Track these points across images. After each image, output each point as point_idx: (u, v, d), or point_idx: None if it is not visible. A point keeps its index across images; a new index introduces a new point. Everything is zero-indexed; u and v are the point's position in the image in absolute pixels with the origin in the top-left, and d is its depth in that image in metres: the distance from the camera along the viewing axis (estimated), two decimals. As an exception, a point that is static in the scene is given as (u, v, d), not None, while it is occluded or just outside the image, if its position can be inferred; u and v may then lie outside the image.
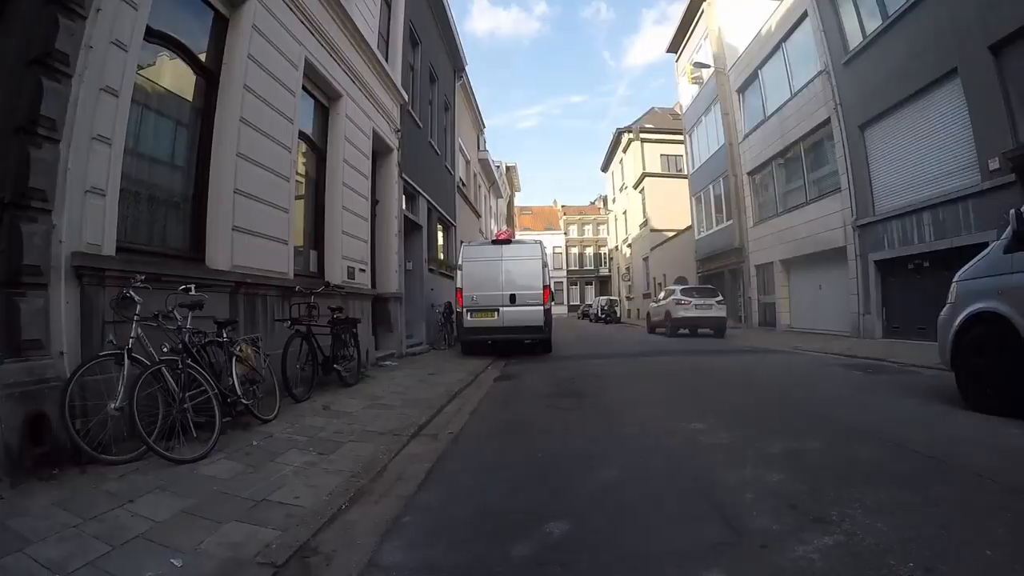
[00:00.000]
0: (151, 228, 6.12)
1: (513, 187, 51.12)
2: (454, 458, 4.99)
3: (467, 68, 23.16)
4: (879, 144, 16.13)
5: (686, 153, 33.86)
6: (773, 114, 22.34)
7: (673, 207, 37.40)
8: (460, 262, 14.15)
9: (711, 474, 4.12)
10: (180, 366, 4.92)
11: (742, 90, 25.40)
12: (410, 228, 15.57)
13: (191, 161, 6.73)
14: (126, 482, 4.04)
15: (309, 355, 7.82)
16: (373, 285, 12.27)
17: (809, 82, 19.55)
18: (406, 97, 14.45)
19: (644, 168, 42.35)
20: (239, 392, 5.74)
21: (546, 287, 13.65)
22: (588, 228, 77.15)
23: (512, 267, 13.71)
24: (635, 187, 44.00)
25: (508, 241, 14.44)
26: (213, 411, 5.00)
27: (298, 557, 3.02)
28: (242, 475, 4.32)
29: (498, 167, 38.26)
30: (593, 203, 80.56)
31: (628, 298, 48.04)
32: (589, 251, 76.17)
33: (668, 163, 42.55)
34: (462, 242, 18.23)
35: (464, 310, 13.63)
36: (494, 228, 37.33)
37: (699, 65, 27.02)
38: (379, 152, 13.08)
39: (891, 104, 15.18)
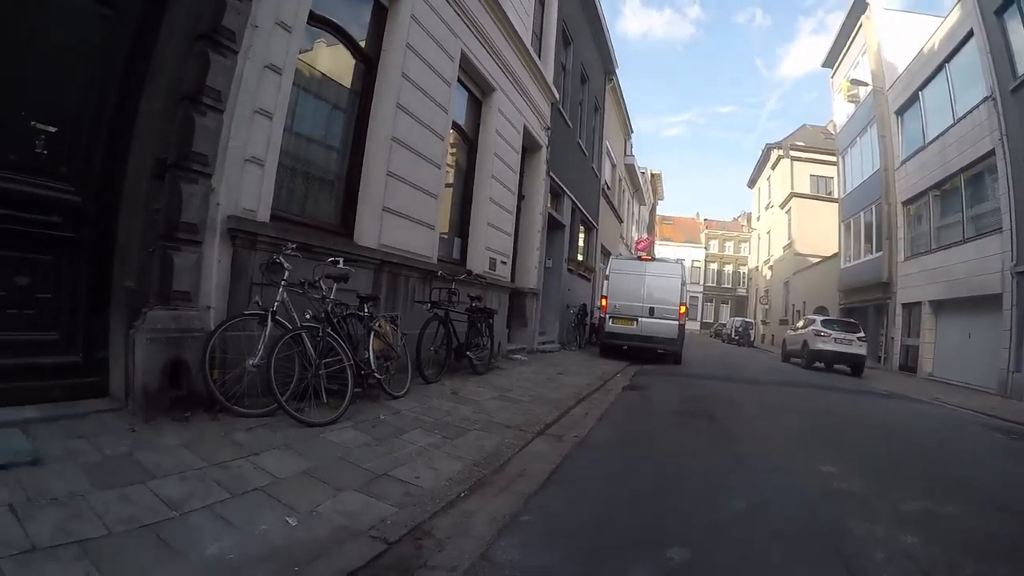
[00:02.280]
0: (304, 201, 6.21)
1: (656, 195, 49.71)
2: (578, 463, 4.68)
3: (618, 70, 22.58)
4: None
5: (838, 175, 30.94)
6: (933, 140, 19.86)
7: (819, 231, 34.24)
8: (608, 272, 15.38)
9: (841, 523, 3.65)
10: (320, 334, 4.91)
11: (901, 112, 22.84)
12: (553, 226, 15.33)
13: (346, 142, 6.79)
14: (253, 435, 4.03)
15: (444, 339, 7.71)
16: (512, 278, 12.09)
17: (973, 108, 17.13)
18: (557, 95, 14.19)
19: (792, 188, 39.12)
20: (373, 366, 5.68)
21: (682, 303, 14.52)
22: (729, 245, 73.14)
23: (654, 282, 14.63)
24: (781, 207, 40.89)
25: (653, 259, 15.58)
26: (346, 380, 4.94)
27: (411, 537, 2.86)
28: (366, 446, 4.22)
29: (643, 173, 37.29)
30: (736, 219, 76.06)
31: (764, 322, 44.75)
32: (728, 269, 72.21)
33: (817, 184, 39.04)
34: (609, 254, 19.45)
35: (607, 316, 14.74)
36: (635, 235, 36.52)
37: (856, 83, 24.57)
38: (528, 148, 12.87)
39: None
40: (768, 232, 46.15)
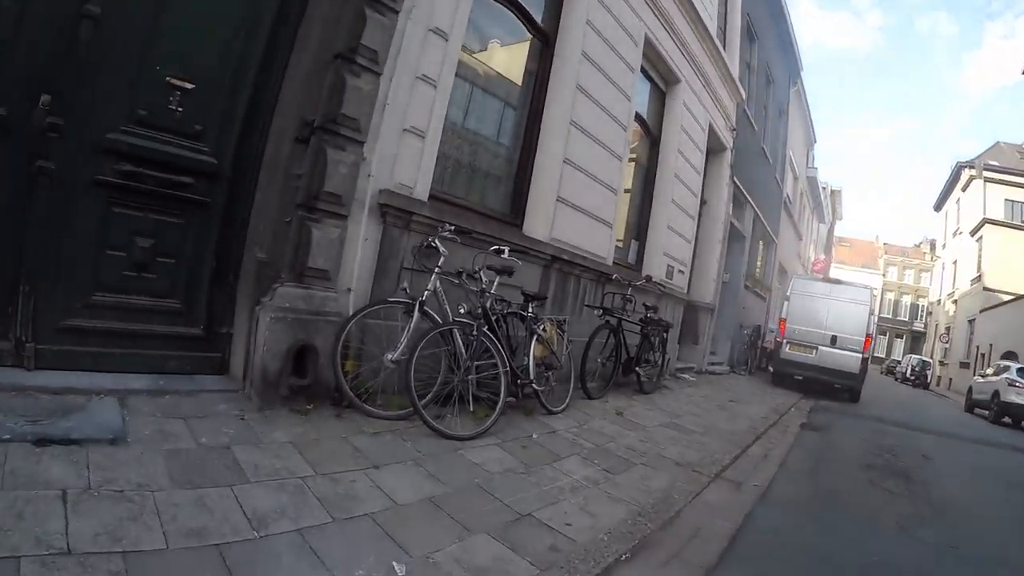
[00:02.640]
0: (469, 184, 5.49)
1: (835, 214, 45.24)
2: (763, 526, 3.64)
3: (802, 74, 20.34)
4: None
5: None
6: None
7: (1015, 265, 29.11)
8: (789, 293, 13.57)
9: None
10: (475, 331, 4.10)
11: None
12: (732, 237, 13.75)
13: (519, 122, 6.03)
14: (378, 442, 3.32)
15: (613, 351, 6.67)
16: (686, 290, 10.81)
17: None
18: (743, 94, 12.72)
19: (985, 213, 32.76)
20: (532, 374, 4.78)
21: (868, 335, 12.53)
22: (909, 273, 63.54)
23: (839, 308, 12.80)
24: (971, 234, 34.54)
25: (839, 281, 13.77)
26: (498, 388, 4.11)
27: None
28: (511, 473, 3.38)
29: (823, 188, 33.95)
30: (918, 245, 66.34)
31: (942, 363, 38.00)
32: (906, 300, 62.62)
33: (1013, 211, 32.55)
34: (785, 273, 17.61)
35: (784, 341, 12.94)
36: (812, 255, 33.37)
37: None
38: (712, 149, 11.44)
39: None
40: (954, 262, 39.24)
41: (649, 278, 7.87)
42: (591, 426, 4.99)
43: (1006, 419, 15.54)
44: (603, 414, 5.56)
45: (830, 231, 45.93)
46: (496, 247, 4.78)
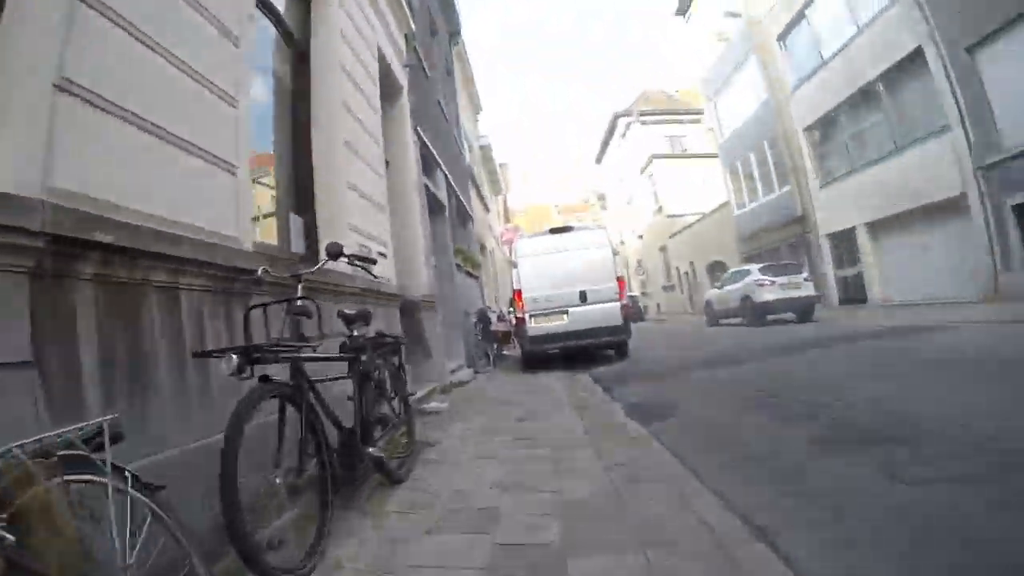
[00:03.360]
0: None
1: (506, 186, 45.78)
2: None
3: (462, 33, 18.30)
4: (1000, 67, 12.11)
5: (713, 121, 28.45)
6: (834, 56, 17.92)
7: (688, 190, 33.40)
8: (515, 258, 11.62)
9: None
10: None
11: (783, 37, 20.80)
12: (432, 207, 10.61)
13: None
14: None
15: (304, 438, 2.76)
16: (394, 282, 7.25)
17: (882, 11, 15.47)
18: (412, 25, 9.60)
19: (651, 151, 37.58)
20: None
21: (620, 278, 11.00)
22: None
23: (577, 258, 10.98)
24: (642, 171, 39.02)
25: (569, 228, 12.09)
26: None
27: None
28: None
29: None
30: (586, 201, 72.57)
31: (643, 293, 42.21)
32: None
33: (674, 144, 37.96)
34: (485, 248, 14.86)
35: (527, 315, 10.81)
36: (498, 227, 32.61)
37: (730, 15, 22.39)
38: (386, 91, 7.97)
39: (1014, 15, 11.42)
40: (629, 202, 44.36)
41: (338, 252, 3.48)
42: None
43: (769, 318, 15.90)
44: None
45: (504, 203, 46.45)
46: None
